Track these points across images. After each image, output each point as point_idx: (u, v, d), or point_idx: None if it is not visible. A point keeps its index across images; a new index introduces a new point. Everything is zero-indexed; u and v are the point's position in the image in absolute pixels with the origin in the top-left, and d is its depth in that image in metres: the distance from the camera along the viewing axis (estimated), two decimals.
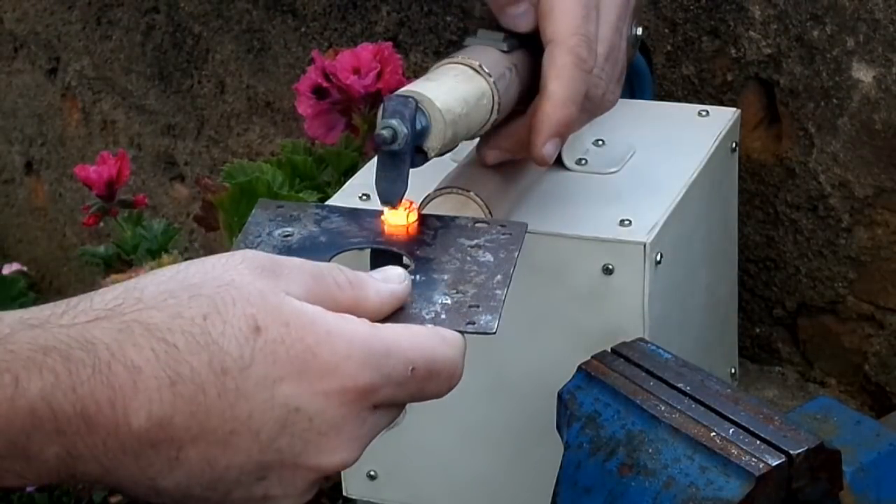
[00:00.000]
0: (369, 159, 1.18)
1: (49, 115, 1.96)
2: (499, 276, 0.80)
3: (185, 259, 1.35)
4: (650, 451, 0.85)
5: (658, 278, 0.99)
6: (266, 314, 0.68)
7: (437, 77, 0.93)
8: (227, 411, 0.67)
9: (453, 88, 0.91)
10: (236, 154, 1.70)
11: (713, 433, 0.84)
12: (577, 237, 1.00)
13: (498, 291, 0.79)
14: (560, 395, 0.92)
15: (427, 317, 0.76)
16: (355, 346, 0.70)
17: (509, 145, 0.97)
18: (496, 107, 0.94)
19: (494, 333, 0.77)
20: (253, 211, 0.86)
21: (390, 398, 0.72)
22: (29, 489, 1.56)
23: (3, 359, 0.65)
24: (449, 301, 0.78)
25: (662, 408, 0.87)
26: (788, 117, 1.25)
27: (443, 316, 0.77)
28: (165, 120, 1.79)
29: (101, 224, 1.45)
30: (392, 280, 0.76)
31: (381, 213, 0.86)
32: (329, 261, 0.80)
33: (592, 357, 0.92)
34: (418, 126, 0.87)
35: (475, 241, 0.84)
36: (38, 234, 2.09)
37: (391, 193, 0.86)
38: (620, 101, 1.03)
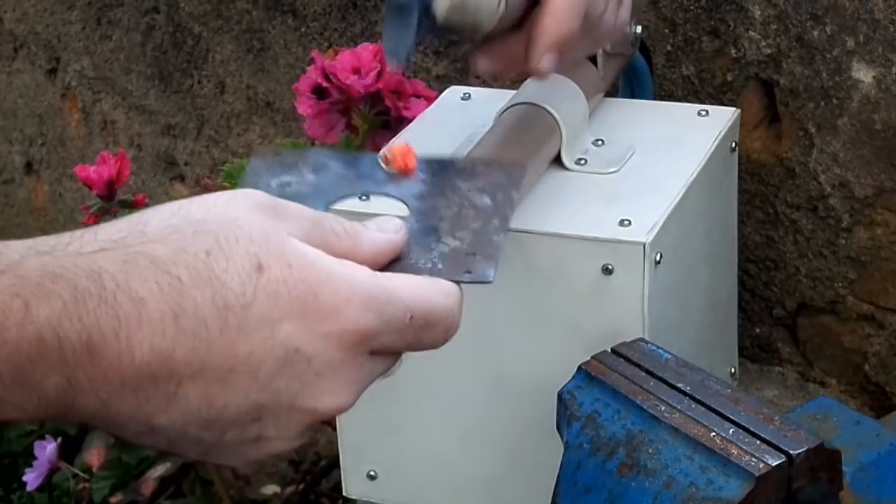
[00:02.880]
0: None
1: (49, 115, 1.96)
2: (496, 221, 0.79)
3: None
4: (650, 451, 0.85)
5: (658, 278, 0.99)
6: (269, 253, 0.68)
7: None
8: (227, 348, 0.67)
9: None
10: (236, 154, 1.70)
11: (713, 433, 0.84)
12: (576, 237, 1.00)
13: (495, 237, 0.78)
14: (560, 395, 0.92)
15: (424, 266, 0.75)
16: (356, 290, 0.70)
17: (503, 58, 0.96)
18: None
19: (491, 283, 0.76)
20: (250, 160, 0.84)
21: (388, 345, 0.72)
22: (29, 489, 1.55)
23: (13, 283, 0.64)
24: (446, 249, 0.76)
25: (662, 408, 0.87)
26: (788, 117, 1.25)
27: (440, 266, 0.75)
28: (165, 120, 1.79)
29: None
30: (388, 230, 0.76)
31: (379, 157, 0.84)
32: (327, 209, 0.79)
33: (592, 357, 0.92)
34: None
35: (473, 184, 0.82)
36: (38, 234, 2.08)
37: (398, 47, 0.84)
38: (620, 100, 1.03)
